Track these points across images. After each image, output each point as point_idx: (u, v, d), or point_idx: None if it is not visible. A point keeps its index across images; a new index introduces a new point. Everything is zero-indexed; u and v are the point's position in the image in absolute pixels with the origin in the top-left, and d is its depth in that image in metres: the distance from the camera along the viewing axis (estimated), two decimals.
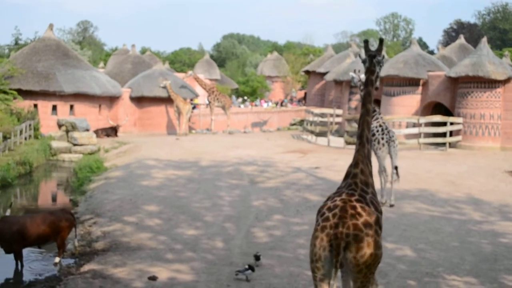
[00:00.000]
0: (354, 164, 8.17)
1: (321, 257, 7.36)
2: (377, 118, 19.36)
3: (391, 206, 18.32)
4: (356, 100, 43.02)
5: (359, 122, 8.54)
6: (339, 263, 7.26)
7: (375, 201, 8.02)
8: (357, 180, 8.01)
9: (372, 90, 8.67)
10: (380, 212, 7.93)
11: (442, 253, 13.60)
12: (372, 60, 8.84)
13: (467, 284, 11.51)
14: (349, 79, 42.50)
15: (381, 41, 9.24)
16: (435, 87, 35.81)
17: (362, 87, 18.74)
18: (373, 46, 9.42)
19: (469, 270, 12.36)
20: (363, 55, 9.23)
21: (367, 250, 7.29)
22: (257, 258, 12.54)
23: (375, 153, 18.81)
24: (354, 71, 20.71)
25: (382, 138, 18.84)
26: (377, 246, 7.43)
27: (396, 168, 18.64)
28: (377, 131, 19.05)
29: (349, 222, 7.31)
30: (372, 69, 8.82)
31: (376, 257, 7.41)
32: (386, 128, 19.06)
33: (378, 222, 7.63)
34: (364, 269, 7.35)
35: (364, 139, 8.37)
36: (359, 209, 7.50)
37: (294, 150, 31.80)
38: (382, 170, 18.90)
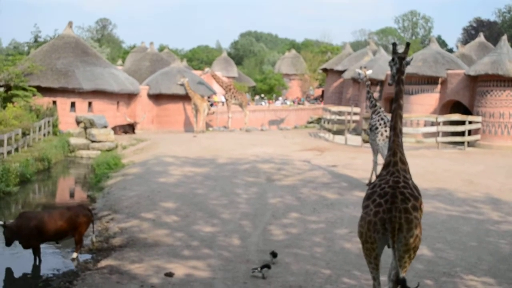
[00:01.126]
0: (393, 153, 9.09)
1: (375, 240, 8.48)
2: (378, 113, 21.07)
3: None
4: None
5: (393, 115, 9.49)
6: (392, 243, 8.32)
7: (415, 186, 8.96)
8: (398, 168, 8.93)
9: (403, 88, 9.66)
10: (420, 195, 8.81)
11: (460, 252, 13.51)
12: (402, 61, 9.64)
13: (485, 285, 11.43)
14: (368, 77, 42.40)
15: (407, 44, 10.07)
16: (454, 85, 35.55)
17: (368, 83, 22.23)
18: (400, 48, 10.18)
19: (487, 270, 12.26)
20: (391, 56, 9.98)
21: (415, 230, 8.36)
22: (274, 255, 12.55)
23: (378, 144, 20.52)
24: (360, 68, 22.73)
25: (386, 131, 20.09)
26: (421, 227, 8.54)
27: None
28: (380, 124, 20.67)
29: (400, 206, 8.35)
30: (402, 70, 9.66)
31: (419, 238, 8.48)
32: (388, 121, 20.04)
33: (421, 206, 8.70)
34: (411, 248, 8.40)
35: (398, 130, 9.28)
36: (407, 195, 8.52)
37: (311, 148, 31.73)
38: (384, 157, 18.82)
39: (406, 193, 8.54)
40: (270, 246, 13.75)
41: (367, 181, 21.49)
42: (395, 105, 9.50)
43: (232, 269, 12.22)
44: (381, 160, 19.58)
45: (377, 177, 9.32)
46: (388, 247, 8.62)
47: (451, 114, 33.45)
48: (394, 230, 8.27)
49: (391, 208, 8.35)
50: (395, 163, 8.99)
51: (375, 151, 21.28)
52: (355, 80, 45.67)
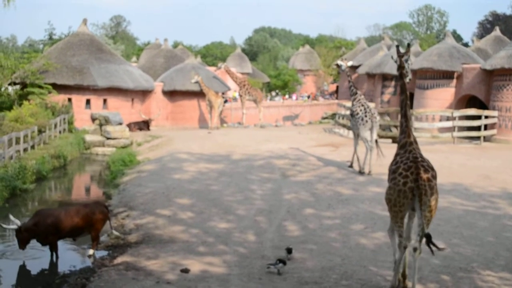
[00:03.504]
0: (408, 135, 11.04)
1: (404, 204, 10.32)
2: (359, 100, 23.20)
3: (369, 173, 22.19)
4: (388, 94, 42.72)
5: (402, 105, 11.55)
6: (418, 205, 10.07)
7: (428, 160, 10.76)
8: (414, 147, 10.85)
9: (406, 81, 11.72)
10: (433, 169, 10.61)
11: (477, 248, 13.43)
12: (401, 59, 11.79)
13: (502, 280, 11.35)
14: (382, 72, 42.30)
15: (408, 45, 12.63)
16: (470, 80, 35.30)
17: (348, 73, 24.78)
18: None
19: (504, 266, 12.18)
20: (395, 57, 12.12)
21: (436, 195, 10.31)
22: (289, 251, 12.54)
23: (359, 128, 22.75)
24: (342, 60, 26.11)
25: (366, 116, 22.47)
26: (438, 191, 10.45)
27: (376, 141, 22.84)
28: (361, 110, 22.77)
29: (424, 176, 10.20)
30: (402, 65, 11.77)
31: (437, 199, 10.44)
32: (368, 107, 22.83)
33: (436, 175, 10.54)
34: (433, 209, 10.26)
35: (408, 117, 11.33)
36: (426, 167, 10.40)
37: (326, 143, 31.65)
38: (364, 141, 22.60)
39: (425, 165, 10.41)
40: (285, 242, 13.75)
41: (348, 163, 23.95)
42: (402, 97, 11.63)
43: (248, 265, 12.23)
44: (361, 146, 23.51)
45: (395, 155, 11.07)
46: (413, 210, 10.37)
47: (467, 109, 33.21)
48: (421, 195, 10.05)
49: (417, 178, 10.16)
50: (410, 143, 10.90)
51: (356, 135, 23.39)
52: (370, 75, 45.52)
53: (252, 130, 39.80)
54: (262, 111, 44.34)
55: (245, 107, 43.92)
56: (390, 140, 30.77)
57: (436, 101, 36.36)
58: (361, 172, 22.37)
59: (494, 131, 32.57)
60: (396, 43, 47.67)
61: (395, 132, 32.37)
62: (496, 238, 14.27)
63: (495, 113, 32.39)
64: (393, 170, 10.74)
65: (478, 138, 32.25)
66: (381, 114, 33.97)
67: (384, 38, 60.51)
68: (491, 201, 18.20)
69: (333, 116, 47.67)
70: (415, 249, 10.30)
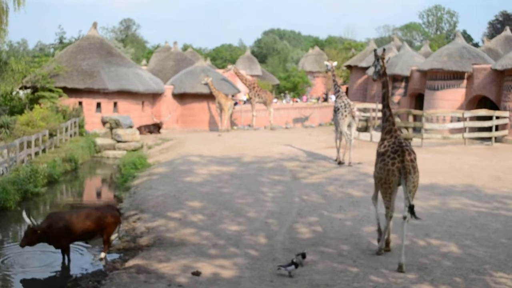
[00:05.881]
0: (392, 124, 13.23)
1: (392, 182, 12.41)
2: (341, 97, 25.49)
3: (349, 164, 24.66)
4: (399, 95, 42.57)
5: (384, 97, 13.90)
6: (404, 181, 12.21)
7: (410, 144, 12.94)
8: (398, 133, 13.11)
9: (385, 79, 14.21)
10: (414, 152, 12.71)
11: (489, 249, 13.36)
12: (383, 61, 14.18)
13: None
14: (392, 73, 42.18)
15: (383, 50, 14.85)
16: (481, 80, 35.14)
17: (334, 72, 27.65)
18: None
19: None
20: (374, 60, 14.52)
21: (418, 173, 12.43)
22: (303, 256, 12.38)
23: (339, 122, 25.12)
24: (328, 60, 31.36)
25: (345, 111, 24.80)
26: (419, 171, 12.56)
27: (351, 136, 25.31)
28: (341, 106, 25.07)
29: (408, 158, 12.31)
30: (384, 66, 14.21)
31: (419, 178, 12.52)
32: (349, 103, 25.10)
33: (416, 157, 12.61)
34: (416, 185, 12.40)
35: (390, 108, 13.63)
36: (410, 150, 12.52)
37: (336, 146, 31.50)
38: (344, 134, 24.97)
39: (409, 149, 12.54)
40: (296, 245, 13.74)
41: (335, 157, 25.83)
42: (384, 90, 13.94)
43: (259, 267, 12.22)
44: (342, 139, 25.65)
45: (382, 140, 13.23)
46: (398, 185, 12.42)
47: (478, 110, 33.07)
48: (407, 174, 12.19)
49: (403, 159, 12.28)
50: (395, 130, 13.09)
51: (338, 130, 25.55)
52: (380, 76, 45.44)
53: (262, 132, 39.78)
54: (272, 113, 44.31)
55: (255, 109, 43.90)
56: None
57: (447, 102, 36.21)
58: (340, 163, 25.05)
59: (505, 132, 32.39)
60: (406, 44, 47.62)
61: (406, 133, 32.26)
62: (509, 239, 14.20)
63: (506, 113, 32.21)
64: (382, 153, 12.81)
65: (489, 139, 32.10)
66: None
67: (394, 39, 60.30)
68: (503, 202, 18.12)
69: None
70: (404, 217, 12.18)
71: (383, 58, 14.20)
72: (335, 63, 29.14)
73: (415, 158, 12.45)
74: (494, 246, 13.62)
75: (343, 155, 25.32)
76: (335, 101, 25.87)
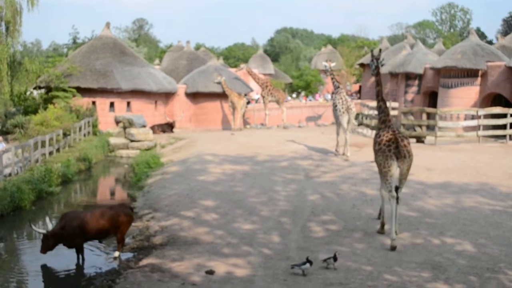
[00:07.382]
0: (387, 115, 14.96)
1: (391, 165, 13.94)
2: (340, 93, 26.89)
3: (344, 156, 26.05)
4: (412, 93, 42.40)
5: (378, 93, 15.61)
6: (401, 165, 13.90)
7: (403, 132, 14.36)
8: (391, 123, 14.81)
9: (379, 78, 15.88)
10: (407, 138, 14.58)
11: (504, 248, 13.28)
12: (377, 61, 15.61)
13: None
14: (405, 71, 42.03)
15: (379, 50, 16.69)
16: (495, 78, 34.90)
17: (332, 73, 30.12)
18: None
19: None
20: (371, 59, 15.98)
21: (411, 156, 14.09)
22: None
23: (338, 118, 26.56)
24: (326, 61, 32.08)
25: (343, 107, 26.27)
26: (412, 154, 14.24)
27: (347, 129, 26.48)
28: (339, 102, 26.47)
29: (402, 143, 13.97)
30: (378, 66, 15.63)
31: (412, 161, 14.20)
32: (346, 100, 26.52)
33: (410, 142, 14.27)
34: (410, 167, 14.15)
35: (385, 102, 15.39)
36: (403, 137, 14.18)
37: (350, 144, 31.43)
38: (343, 129, 26.33)
39: (403, 137, 14.18)
40: (310, 243, 13.73)
41: (334, 150, 27.49)
42: (378, 88, 15.71)
43: (272, 266, 12.22)
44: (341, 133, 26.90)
45: (378, 129, 14.98)
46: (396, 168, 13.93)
47: (492, 107, 32.84)
48: (402, 158, 13.87)
49: (398, 145, 13.93)
50: (389, 120, 14.85)
51: (338, 125, 26.93)
52: (393, 75, 45.23)
53: (275, 131, 39.72)
54: (285, 112, 44.23)
55: (268, 108, 43.85)
56: (414, 140, 30.51)
57: (461, 100, 36.00)
58: (336, 154, 26.85)
59: None
60: (419, 41, 47.41)
61: (419, 131, 32.12)
62: None
63: None
64: (379, 142, 14.41)
65: (503, 136, 31.87)
66: (404, 113, 33.75)
67: (407, 37, 60.01)
68: None
69: (356, 116, 47.37)
70: (396, 198, 13.68)
71: (377, 59, 15.62)
72: (333, 64, 31.25)
73: (408, 143, 14.18)
74: (509, 245, 13.53)
75: (343, 148, 26.74)
76: (335, 97, 27.24)
